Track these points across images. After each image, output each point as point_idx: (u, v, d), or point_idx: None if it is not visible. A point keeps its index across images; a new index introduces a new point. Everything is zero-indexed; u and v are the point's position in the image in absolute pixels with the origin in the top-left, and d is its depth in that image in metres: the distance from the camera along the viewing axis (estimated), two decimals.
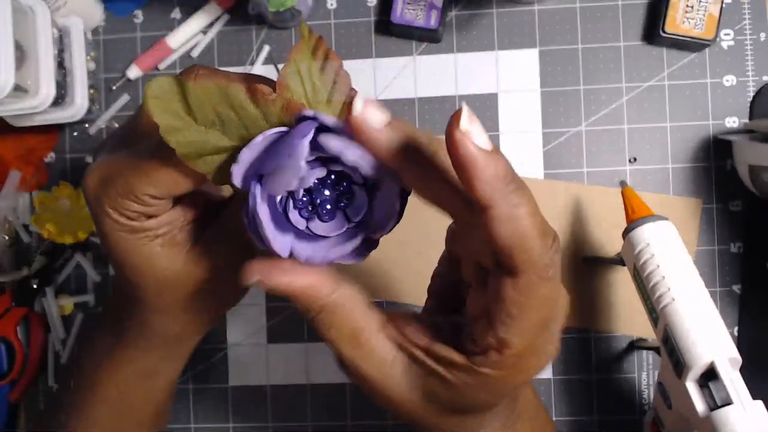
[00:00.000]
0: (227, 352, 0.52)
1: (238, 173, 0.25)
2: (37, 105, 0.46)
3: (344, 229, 0.26)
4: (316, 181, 0.25)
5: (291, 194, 0.26)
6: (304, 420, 0.52)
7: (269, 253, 0.25)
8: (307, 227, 0.26)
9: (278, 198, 0.26)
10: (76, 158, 0.54)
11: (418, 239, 0.50)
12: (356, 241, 0.26)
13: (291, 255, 0.26)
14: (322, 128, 0.24)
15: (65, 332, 0.53)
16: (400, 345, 0.27)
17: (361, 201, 0.26)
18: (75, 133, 0.54)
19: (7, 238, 0.53)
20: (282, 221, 0.26)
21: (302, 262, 0.26)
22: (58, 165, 0.54)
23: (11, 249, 0.54)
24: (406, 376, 0.27)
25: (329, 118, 0.24)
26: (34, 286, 0.52)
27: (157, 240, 0.29)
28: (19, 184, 0.53)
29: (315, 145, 0.24)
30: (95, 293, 0.53)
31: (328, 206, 0.26)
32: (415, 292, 0.51)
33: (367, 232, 0.26)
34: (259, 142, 0.24)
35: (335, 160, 0.25)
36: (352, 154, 0.24)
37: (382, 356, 0.27)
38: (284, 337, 0.52)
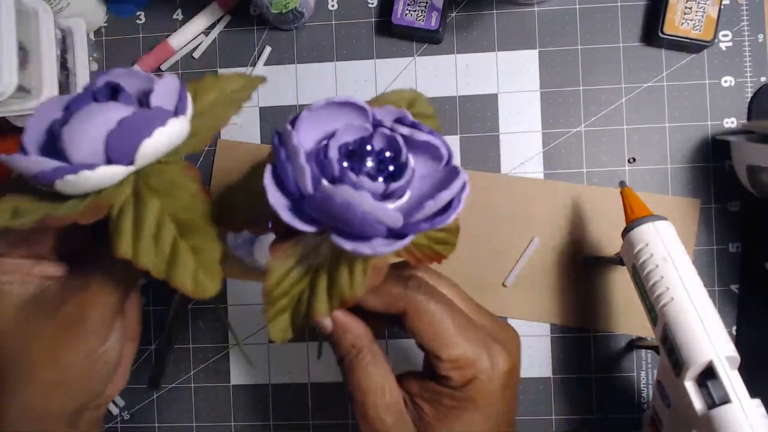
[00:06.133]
0: (229, 351, 0.52)
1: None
2: None
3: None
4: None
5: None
6: (305, 419, 0.52)
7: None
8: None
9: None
10: None
11: None
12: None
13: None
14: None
15: None
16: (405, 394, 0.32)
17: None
18: None
19: None
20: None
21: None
22: None
23: None
24: (403, 419, 0.32)
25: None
26: None
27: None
28: None
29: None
30: None
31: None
32: None
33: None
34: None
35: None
36: None
37: (399, 407, 0.32)
38: None
